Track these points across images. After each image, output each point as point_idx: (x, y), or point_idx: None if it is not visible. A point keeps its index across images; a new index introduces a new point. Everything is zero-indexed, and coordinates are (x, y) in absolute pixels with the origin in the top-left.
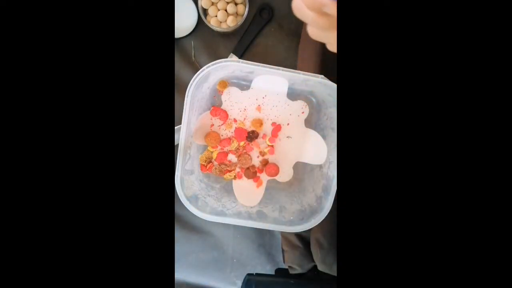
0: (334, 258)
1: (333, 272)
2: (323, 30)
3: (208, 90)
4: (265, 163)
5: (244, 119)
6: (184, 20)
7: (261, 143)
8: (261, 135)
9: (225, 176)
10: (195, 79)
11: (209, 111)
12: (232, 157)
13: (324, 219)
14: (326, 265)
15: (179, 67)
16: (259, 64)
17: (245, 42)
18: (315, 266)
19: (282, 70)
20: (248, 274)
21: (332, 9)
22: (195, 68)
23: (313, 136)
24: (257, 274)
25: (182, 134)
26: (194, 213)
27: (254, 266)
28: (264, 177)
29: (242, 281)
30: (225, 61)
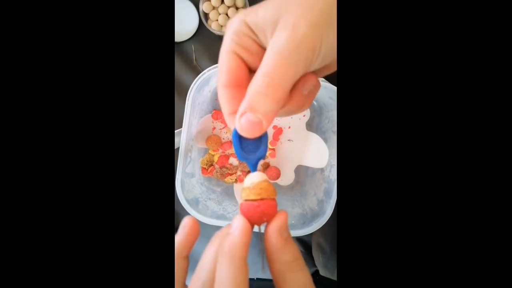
0: (336, 263)
1: (336, 277)
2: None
3: (209, 94)
4: (267, 166)
5: None
6: (185, 24)
7: None
8: None
9: (226, 180)
10: (196, 82)
11: (210, 114)
12: (233, 161)
13: (326, 223)
14: (328, 270)
15: (181, 71)
16: None
17: None
18: (317, 271)
19: None
20: (249, 279)
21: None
22: (197, 71)
23: (315, 139)
24: (258, 279)
25: (183, 137)
26: (194, 216)
27: (255, 271)
28: None
29: None
30: None
